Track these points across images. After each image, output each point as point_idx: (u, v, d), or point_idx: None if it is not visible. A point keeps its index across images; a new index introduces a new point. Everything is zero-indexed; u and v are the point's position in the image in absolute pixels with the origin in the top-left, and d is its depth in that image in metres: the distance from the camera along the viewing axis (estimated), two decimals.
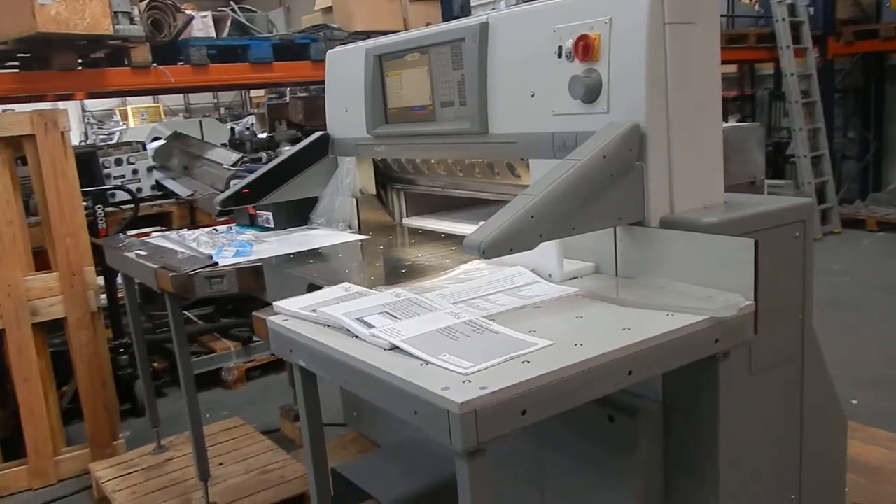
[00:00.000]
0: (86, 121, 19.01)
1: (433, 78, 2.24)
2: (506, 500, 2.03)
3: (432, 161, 2.47)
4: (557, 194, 1.47)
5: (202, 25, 4.61)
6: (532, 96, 1.88)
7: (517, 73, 1.92)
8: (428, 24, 5.00)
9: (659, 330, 1.30)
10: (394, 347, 1.29)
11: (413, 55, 2.31)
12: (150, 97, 16.60)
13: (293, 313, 1.57)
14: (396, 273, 2.01)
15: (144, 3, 4.00)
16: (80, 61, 4.04)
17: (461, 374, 1.15)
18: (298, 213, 2.85)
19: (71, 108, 18.45)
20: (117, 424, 3.44)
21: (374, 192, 2.76)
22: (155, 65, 3.94)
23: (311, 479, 1.67)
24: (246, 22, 4.87)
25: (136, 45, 3.85)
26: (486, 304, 1.52)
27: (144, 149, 4.14)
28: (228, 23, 4.78)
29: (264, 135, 5.36)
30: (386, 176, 2.79)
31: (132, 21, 3.89)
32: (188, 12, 4.47)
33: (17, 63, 4.11)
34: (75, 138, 16.54)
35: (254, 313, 1.69)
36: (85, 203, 3.68)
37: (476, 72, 2.02)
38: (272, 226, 2.85)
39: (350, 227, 2.72)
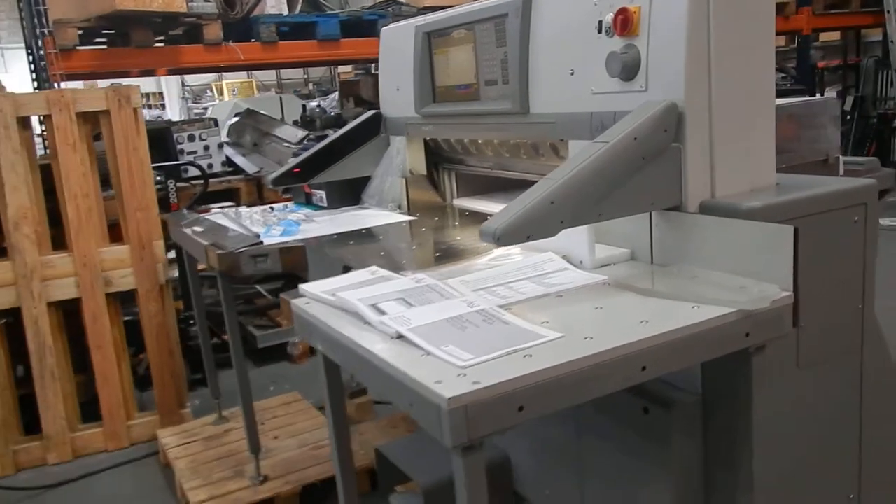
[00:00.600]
0: (183, 96, 19.79)
1: (478, 56, 2.18)
2: (546, 484, 1.99)
3: (479, 141, 2.42)
4: (580, 179, 1.40)
5: (274, 2, 4.67)
6: (572, 74, 1.80)
7: (558, 50, 1.85)
8: None
9: (679, 323, 1.22)
10: (400, 336, 1.26)
11: (459, 32, 2.25)
12: (244, 72, 17.06)
13: (315, 296, 1.57)
14: (430, 256, 1.98)
15: None
16: (160, 39, 4.17)
17: (458, 367, 1.11)
18: (352, 193, 2.85)
19: (171, 82, 19.32)
20: (185, 393, 3.58)
21: (424, 172, 2.73)
22: (226, 42, 4.02)
23: (334, 462, 1.69)
24: None
25: (209, 22, 3.93)
26: (506, 292, 1.47)
27: (216, 125, 4.25)
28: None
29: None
30: (438, 156, 2.75)
31: None
32: None
33: (104, 40, 4.27)
34: (175, 113, 17.24)
35: (281, 295, 1.70)
36: (158, 178, 3.82)
37: (518, 49, 1.95)
38: (325, 205, 2.88)
39: (400, 208, 2.70)
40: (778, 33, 7.88)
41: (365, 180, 2.83)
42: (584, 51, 1.73)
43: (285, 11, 4.69)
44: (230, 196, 4.03)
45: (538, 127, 1.96)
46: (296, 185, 2.76)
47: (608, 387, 1.15)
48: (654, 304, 1.34)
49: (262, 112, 4.96)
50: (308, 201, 3.00)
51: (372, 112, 2.84)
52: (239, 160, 4.20)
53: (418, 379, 1.09)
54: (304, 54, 4.29)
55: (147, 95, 21.19)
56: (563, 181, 1.39)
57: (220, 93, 18.25)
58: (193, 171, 3.89)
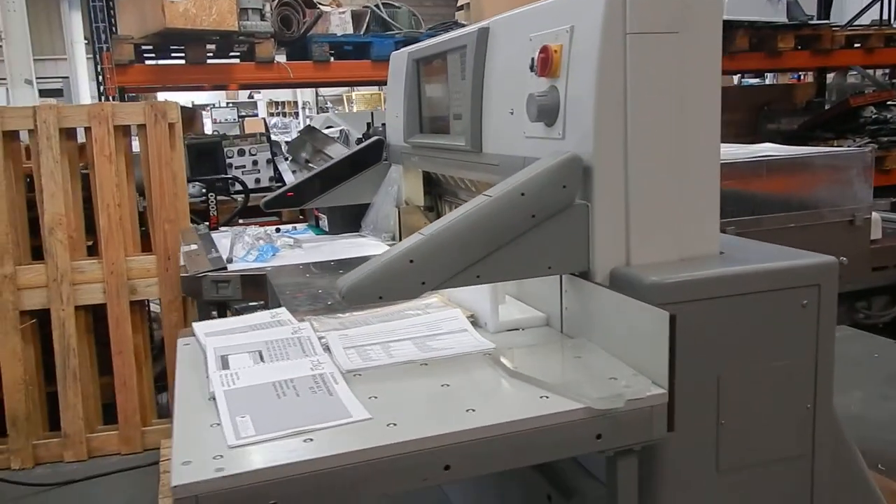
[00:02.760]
0: (319, 105, 20.59)
1: (449, 87, 2.05)
2: None
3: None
4: (449, 236, 1.25)
5: (339, 21, 4.70)
6: (511, 114, 1.64)
7: (503, 87, 1.70)
8: None
9: (511, 415, 1.06)
10: (213, 397, 1.17)
11: (438, 62, 2.13)
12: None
13: (196, 337, 1.51)
14: None
15: (276, 0, 4.15)
16: (228, 54, 4.29)
17: (227, 446, 1.00)
18: (354, 220, 2.79)
19: (307, 93, 20.17)
20: None
21: (421, 203, 2.62)
22: (279, 61, 4.08)
23: None
24: (387, 18, 4.89)
25: (262, 40, 4.00)
26: (376, 354, 1.35)
27: (268, 140, 4.31)
28: (367, 19, 4.83)
29: None
30: (439, 187, 2.63)
31: (262, 17, 4.05)
32: (325, 8, 4.58)
33: (181, 55, 4.44)
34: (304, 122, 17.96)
35: (179, 331, 1.65)
36: (203, 191, 3.92)
37: (471, 84, 1.81)
38: (327, 230, 2.83)
39: (393, 239, 2.61)
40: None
41: (366, 207, 2.76)
42: (518, 90, 1.57)
43: (351, 31, 4.72)
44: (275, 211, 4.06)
45: (489, 168, 1.81)
46: (289, 209, 2.73)
47: (392, 486, 1.00)
48: (506, 388, 1.18)
49: (321, 130, 5.00)
50: (316, 225, 2.96)
51: (375, 138, 2.76)
52: (288, 177, 4.25)
53: (175, 454, 0.99)
54: (358, 74, 4.29)
55: (282, 104, 22.28)
56: (427, 238, 1.25)
57: (351, 103, 18.84)
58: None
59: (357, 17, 4.85)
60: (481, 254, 1.28)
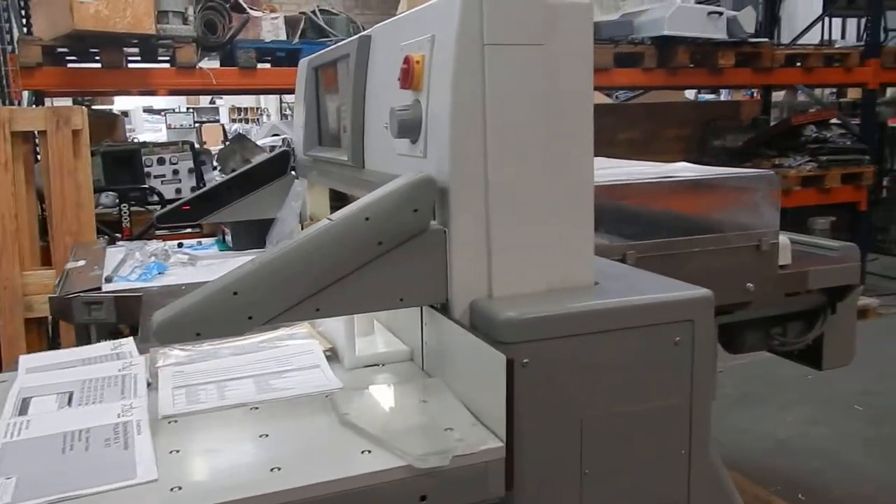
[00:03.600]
0: (282, 111, 20.21)
1: (340, 97, 1.92)
2: None
3: None
4: (279, 266, 1.12)
5: (271, 27, 4.54)
6: (386, 128, 1.51)
7: (381, 99, 1.57)
8: None
9: (319, 477, 0.92)
10: None
11: (331, 69, 2.00)
12: None
13: (21, 369, 1.35)
14: None
15: (201, 4, 3.98)
16: (135, 59, 4.08)
17: None
18: (260, 235, 2.63)
19: (271, 99, 19.71)
20: None
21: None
22: (201, 66, 3.91)
23: None
24: (324, 24, 4.75)
25: (183, 45, 3.83)
26: (207, 395, 1.20)
27: (192, 149, 4.13)
28: (301, 25, 4.68)
29: None
30: (345, 202, 2.49)
31: (184, 21, 3.88)
32: (256, 13, 4.42)
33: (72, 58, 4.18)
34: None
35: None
36: (116, 201, 3.73)
37: (352, 95, 1.68)
38: (232, 246, 2.67)
39: None
40: (842, 86, 7.27)
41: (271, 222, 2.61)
42: (391, 103, 1.45)
43: (284, 37, 4.57)
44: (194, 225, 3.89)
45: (370, 185, 1.67)
46: (185, 223, 2.57)
47: None
48: (328, 440, 1.04)
49: (250, 139, 4.83)
50: (223, 240, 2.80)
51: (282, 150, 2.62)
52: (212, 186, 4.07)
53: None
54: (287, 81, 4.12)
55: (245, 110, 21.90)
56: (254, 268, 1.11)
57: None
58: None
59: (292, 23, 4.70)
60: (320, 285, 1.14)
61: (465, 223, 1.21)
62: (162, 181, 3.95)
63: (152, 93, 4.88)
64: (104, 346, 1.45)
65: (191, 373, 1.29)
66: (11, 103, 3.59)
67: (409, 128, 1.30)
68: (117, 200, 3.72)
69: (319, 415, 1.12)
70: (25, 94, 3.93)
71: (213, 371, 1.29)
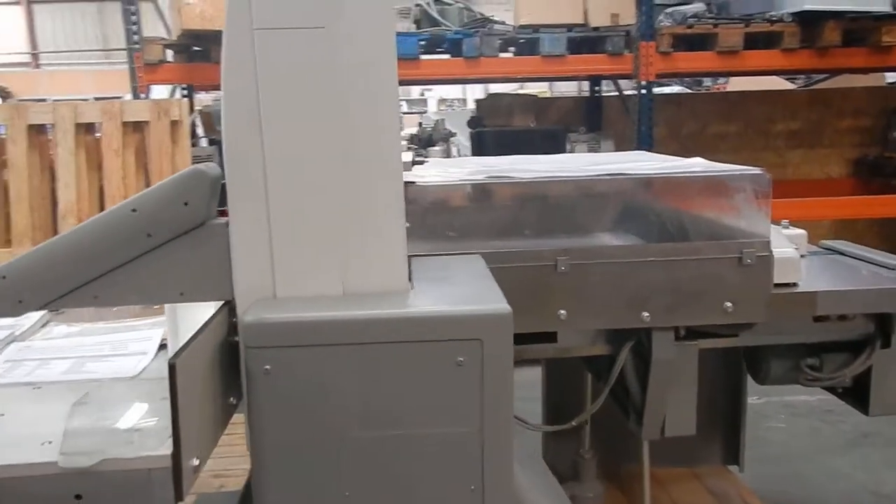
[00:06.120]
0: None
1: None
2: None
3: None
4: (48, 253, 1.15)
5: None
6: None
7: None
8: (614, 17, 4.32)
9: None
10: None
11: None
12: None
13: None
14: None
15: None
16: None
17: None
18: None
19: (477, 90, 20.10)
20: None
21: None
22: None
23: None
24: (436, 15, 4.76)
25: None
26: (21, 372, 1.27)
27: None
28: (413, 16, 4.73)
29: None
30: None
31: None
32: None
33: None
34: None
35: None
36: None
37: None
38: None
39: None
40: None
41: None
42: None
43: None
44: None
45: None
46: None
47: None
48: (31, 425, 1.05)
49: None
50: None
51: None
52: None
53: None
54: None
55: (452, 101, 22.66)
56: (24, 255, 1.15)
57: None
58: None
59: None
60: (94, 273, 1.16)
61: (243, 218, 1.16)
62: None
63: None
64: None
65: (39, 348, 1.37)
66: (137, 97, 4.03)
67: (218, 120, 1.26)
68: None
69: (67, 400, 1.13)
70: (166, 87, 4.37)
71: (53, 349, 1.36)
